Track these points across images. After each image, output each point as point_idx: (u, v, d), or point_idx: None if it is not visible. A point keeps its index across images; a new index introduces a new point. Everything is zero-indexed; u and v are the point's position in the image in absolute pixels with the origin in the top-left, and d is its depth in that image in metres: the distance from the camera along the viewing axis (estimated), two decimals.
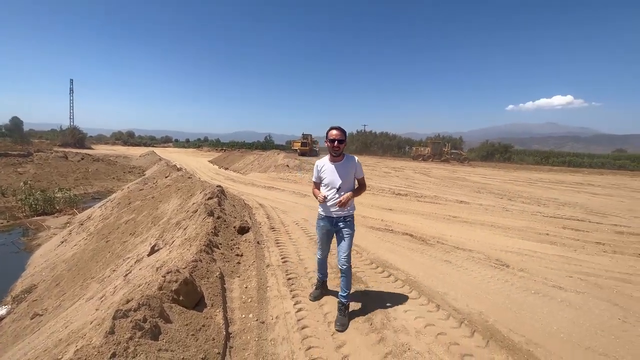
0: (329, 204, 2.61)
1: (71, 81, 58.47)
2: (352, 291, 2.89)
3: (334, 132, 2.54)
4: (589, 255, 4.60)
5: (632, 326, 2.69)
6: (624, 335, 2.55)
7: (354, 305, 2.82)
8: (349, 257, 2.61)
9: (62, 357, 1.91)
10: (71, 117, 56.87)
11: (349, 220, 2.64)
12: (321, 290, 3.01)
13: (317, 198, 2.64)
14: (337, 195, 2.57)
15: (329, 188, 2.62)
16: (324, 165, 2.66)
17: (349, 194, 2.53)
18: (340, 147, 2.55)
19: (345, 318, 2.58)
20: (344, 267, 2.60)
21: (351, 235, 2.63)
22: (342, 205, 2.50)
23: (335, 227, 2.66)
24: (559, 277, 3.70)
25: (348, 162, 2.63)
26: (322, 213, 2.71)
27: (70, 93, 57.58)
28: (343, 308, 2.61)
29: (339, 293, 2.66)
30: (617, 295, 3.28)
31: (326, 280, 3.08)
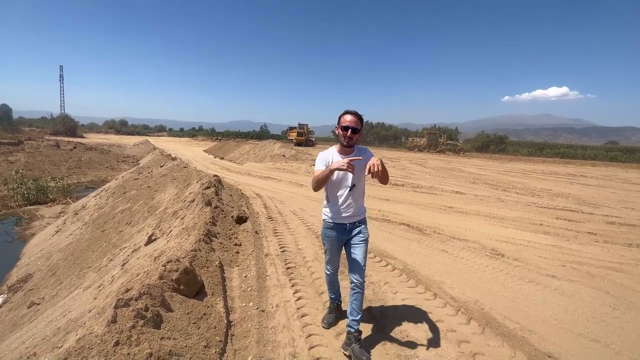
0: (342, 207, 2.14)
1: (61, 67, 56.98)
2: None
3: (348, 117, 2.03)
4: (581, 245, 4.70)
5: (622, 313, 2.77)
6: (614, 322, 2.63)
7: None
8: (363, 270, 2.14)
9: (61, 346, 1.91)
10: (62, 104, 55.68)
11: (363, 224, 2.23)
12: (335, 314, 2.50)
13: (336, 169, 1.91)
14: (350, 199, 2.13)
15: (339, 188, 2.14)
16: (333, 157, 2.15)
17: (379, 161, 1.82)
18: (354, 137, 2.06)
19: (366, 352, 2.01)
20: (359, 281, 2.10)
21: (366, 242, 2.20)
22: (378, 172, 1.80)
23: (349, 234, 2.21)
24: (553, 266, 3.78)
25: (360, 155, 2.10)
26: (329, 220, 2.21)
27: (60, 80, 56.17)
28: (358, 336, 2.07)
29: (350, 318, 2.10)
30: (608, 284, 3.37)
31: (341, 304, 2.59)
